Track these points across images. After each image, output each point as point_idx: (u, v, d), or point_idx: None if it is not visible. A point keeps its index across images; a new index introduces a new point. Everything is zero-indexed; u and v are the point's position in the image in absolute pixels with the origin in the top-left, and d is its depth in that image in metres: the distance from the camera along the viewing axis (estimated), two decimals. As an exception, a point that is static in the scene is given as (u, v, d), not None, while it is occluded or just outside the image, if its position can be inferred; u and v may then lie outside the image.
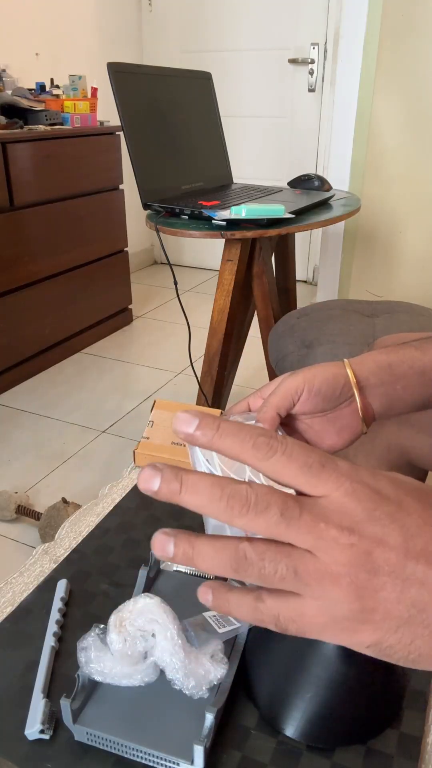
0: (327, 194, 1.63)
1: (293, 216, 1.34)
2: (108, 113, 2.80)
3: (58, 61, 2.84)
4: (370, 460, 0.79)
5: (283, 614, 0.29)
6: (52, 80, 2.56)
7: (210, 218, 1.30)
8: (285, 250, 1.85)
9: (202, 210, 1.31)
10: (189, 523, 0.73)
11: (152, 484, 0.29)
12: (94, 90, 2.47)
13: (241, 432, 0.29)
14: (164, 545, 0.29)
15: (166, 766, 0.45)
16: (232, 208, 1.30)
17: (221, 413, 0.52)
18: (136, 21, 3.36)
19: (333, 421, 0.52)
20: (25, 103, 2.23)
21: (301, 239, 3.38)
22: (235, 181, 1.76)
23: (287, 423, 0.52)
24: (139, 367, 2.49)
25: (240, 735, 0.48)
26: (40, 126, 2.21)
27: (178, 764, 0.45)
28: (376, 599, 0.27)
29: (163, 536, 0.29)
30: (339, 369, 0.51)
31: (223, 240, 1.41)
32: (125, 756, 0.46)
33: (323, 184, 1.69)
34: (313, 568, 0.27)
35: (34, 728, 0.48)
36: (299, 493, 0.29)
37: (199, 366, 1.64)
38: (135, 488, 0.80)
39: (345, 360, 0.52)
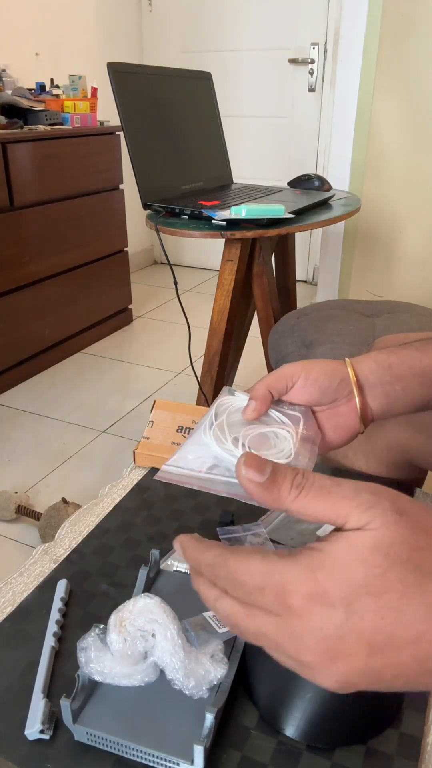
0: (327, 194, 1.63)
1: (293, 216, 1.34)
2: (108, 113, 2.80)
3: (58, 61, 2.84)
4: (370, 461, 0.79)
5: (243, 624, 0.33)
6: (52, 80, 2.56)
7: (210, 218, 1.30)
8: (285, 250, 1.85)
9: (202, 210, 1.31)
10: (189, 523, 0.73)
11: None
12: (94, 90, 2.46)
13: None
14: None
15: (166, 766, 0.45)
16: (232, 208, 1.30)
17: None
18: (136, 21, 3.36)
19: (330, 418, 0.53)
20: (25, 103, 2.23)
21: (301, 239, 3.38)
22: (235, 181, 1.76)
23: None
24: (139, 367, 2.49)
25: (240, 735, 0.48)
26: (40, 126, 2.21)
27: (178, 764, 0.45)
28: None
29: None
30: (339, 365, 0.52)
31: (223, 240, 1.41)
32: (125, 756, 0.46)
33: (323, 184, 1.69)
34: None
35: (34, 728, 0.48)
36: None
37: (199, 366, 1.64)
38: (135, 488, 0.80)
39: (346, 359, 0.53)
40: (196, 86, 1.62)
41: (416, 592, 0.28)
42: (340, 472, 0.80)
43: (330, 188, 1.70)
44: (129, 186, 2.67)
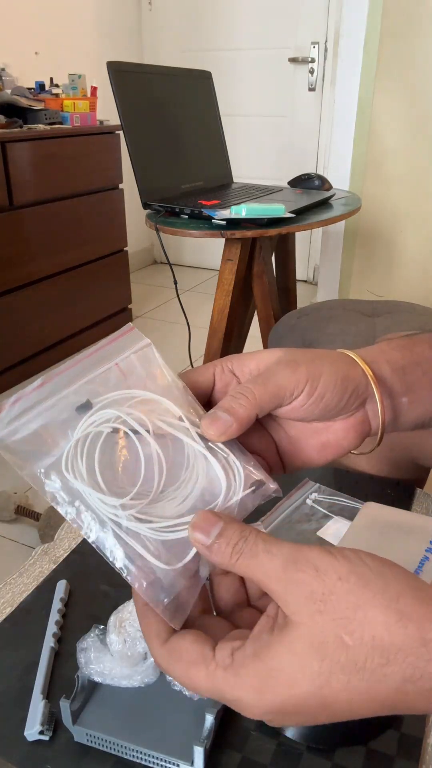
0: (327, 194, 1.63)
1: (293, 215, 1.34)
2: (108, 112, 2.79)
3: (57, 60, 2.84)
4: (372, 460, 0.78)
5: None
6: (51, 79, 2.55)
7: (210, 218, 1.30)
8: (285, 249, 1.85)
9: (202, 209, 1.31)
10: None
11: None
12: (94, 89, 2.46)
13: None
14: None
15: (165, 767, 0.45)
16: (232, 207, 1.30)
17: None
18: (136, 20, 3.36)
19: (316, 435, 0.39)
20: (24, 102, 2.23)
21: (301, 239, 3.37)
22: (235, 180, 1.76)
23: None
24: (139, 367, 2.49)
25: (240, 736, 0.48)
26: (40, 125, 2.21)
27: (178, 765, 0.45)
28: None
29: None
30: (350, 368, 0.38)
31: (223, 240, 1.41)
32: (125, 757, 0.46)
33: (323, 183, 1.69)
34: None
35: (33, 729, 0.47)
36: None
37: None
38: (135, 488, 0.79)
39: (354, 354, 0.39)
40: (196, 85, 1.62)
41: (361, 698, 0.28)
42: (342, 471, 0.79)
43: (330, 187, 1.70)
44: (129, 185, 2.67)
